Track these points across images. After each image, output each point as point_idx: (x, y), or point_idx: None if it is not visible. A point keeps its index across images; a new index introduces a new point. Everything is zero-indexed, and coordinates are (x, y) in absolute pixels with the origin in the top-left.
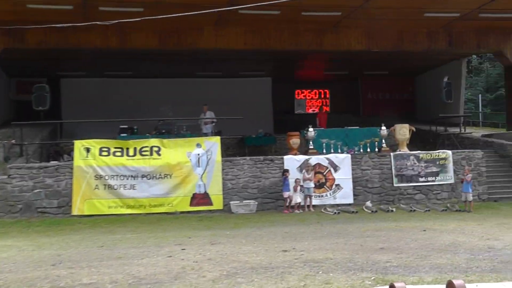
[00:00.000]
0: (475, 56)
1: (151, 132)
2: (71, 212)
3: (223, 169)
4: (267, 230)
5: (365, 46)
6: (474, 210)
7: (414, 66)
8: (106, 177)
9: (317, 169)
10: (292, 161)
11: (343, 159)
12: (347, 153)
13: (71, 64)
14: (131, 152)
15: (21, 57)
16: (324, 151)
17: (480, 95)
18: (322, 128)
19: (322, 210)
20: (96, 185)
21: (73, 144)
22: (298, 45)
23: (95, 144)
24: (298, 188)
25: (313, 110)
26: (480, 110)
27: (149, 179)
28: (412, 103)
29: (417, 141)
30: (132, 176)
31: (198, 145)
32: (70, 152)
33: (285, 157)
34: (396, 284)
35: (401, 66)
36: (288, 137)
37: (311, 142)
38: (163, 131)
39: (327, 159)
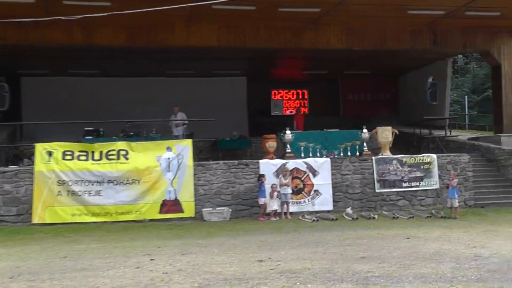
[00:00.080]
0: (461, 56)
1: (118, 134)
2: (31, 220)
3: (195, 174)
4: (241, 239)
5: (346, 45)
6: (460, 217)
7: (397, 66)
8: (70, 183)
9: (295, 174)
10: (268, 166)
11: (322, 164)
12: (327, 157)
13: (32, 62)
14: (96, 156)
15: None
16: (302, 155)
17: (466, 97)
18: (300, 131)
19: (300, 218)
20: (59, 191)
21: (34, 148)
22: (275, 43)
23: (57, 147)
24: (275, 194)
25: (291, 112)
26: (467, 112)
27: (116, 184)
28: (395, 104)
29: (400, 145)
30: (97, 181)
31: (169, 149)
32: (30, 156)
33: (260, 161)
34: None
35: (384, 66)
36: (264, 140)
37: (288, 146)
38: (131, 133)
39: (305, 163)
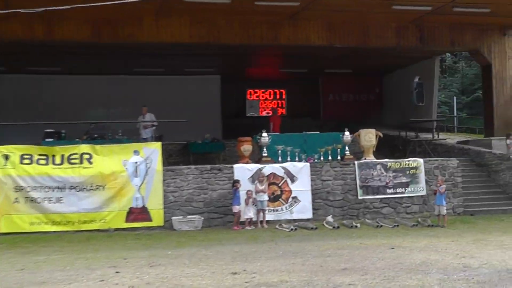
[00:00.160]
0: (449, 54)
1: (81, 137)
2: None
3: (164, 180)
4: (214, 250)
5: (327, 41)
6: (448, 225)
7: (382, 65)
8: (28, 189)
9: (272, 179)
10: (243, 171)
11: (301, 169)
12: (306, 161)
13: None
14: (57, 160)
15: None
16: (280, 159)
17: (455, 98)
18: (277, 133)
19: (277, 227)
20: (16, 198)
21: None
22: (251, 39)
23: (15, 150)
24: (250, 201)
25: (267, 113)
26: (455, 114)
27: (79, 191)
28: (379, 105)
29: (385, 148)
30: (58, 187)
31: (136, 152)
32: None
33: (235, 166)
34: None
35: (367, 64)
36: (238, 143)
37: (265, 149)
38: (96, 135)
39: (283, 168)
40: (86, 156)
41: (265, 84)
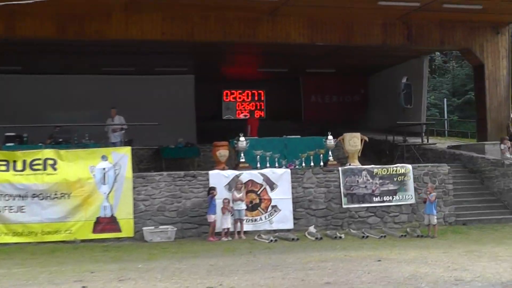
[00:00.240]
0: (438, 53)
1: (45, 141)
2: None
3: (134, 187)
4: (188, 263)
5: (308, 39)
6: (438, 236)
7: (367, 64)
8: None
9: (250, 187)
10: (219, 178)
11: (281, 175)
12: (286, 167)
13: None
14: (19, 165)
15: None
16: (258, 165)
17: (445, 100)
18: (256, 137)
19: (256, 238)
20: None
21: None
22: (227, 36)
23: None
24: (226, 210)
25: (245, 115)
26: (446, 117)
27: (42, 199)
28: (364, 107)
29: (371, 153)
30: (20, 195)
31: (104, 158)
32: None
33: (210, 172)
34: None
35: (351, 64)
36: (214, 148)
37: (242, 154)
38: (60, 140)
39: (262, 175)
40: (50, 162)
41: (243, 85)
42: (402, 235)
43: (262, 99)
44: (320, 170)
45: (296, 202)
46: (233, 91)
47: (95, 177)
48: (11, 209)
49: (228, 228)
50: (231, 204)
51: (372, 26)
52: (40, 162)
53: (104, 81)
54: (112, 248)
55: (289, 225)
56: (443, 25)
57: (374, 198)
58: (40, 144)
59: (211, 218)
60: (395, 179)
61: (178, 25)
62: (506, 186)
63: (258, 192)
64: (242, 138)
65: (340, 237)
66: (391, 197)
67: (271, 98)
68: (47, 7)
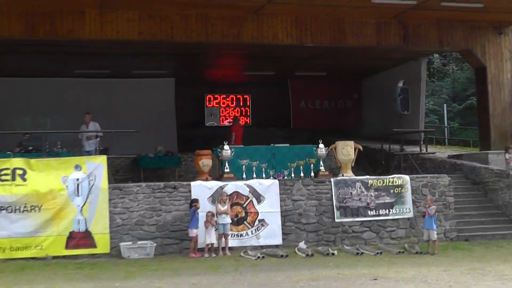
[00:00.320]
0: (437, 55)
1: (13, 149)
2: None
3: (110, 200)
4: (169, 281)
5: (296, 40)
6: (439, 252)
7: (360, 67)
8: None
9: (235, 199)
10: (202, 189)
11: (268, 187)
12: (274, 178)
13: None
14: None
15: None
16: (244, 175)
17: (445, 105)
18: (241, 146)
19: (242, 254)
20: None
21: None
22: (210, 36)
23: None
24: (209, 224)
25: (230, 122)
26: (446, 124)
27: (10, 212)
28: (358, 113)
29: (365, 163)
30: None
31: (77, 167)
32: None
33: (192, 183)
34: None
35: (344, 66)
36: (196, 157)
37: (227, 164)
38: (30, 148)
39: (248, 186)
40: (19, 172)
41: (227, 89)
42: (399, 252)
43: (248, 104)
44: (310, 181)
45: (285, 215)
46: (216, 96)
47: (68, 189)
48: None
49: (212, 244)
50: (215, 218)
51: (365, 25)
52: (8, 172)
53: (77, 84)
54: (87, 265)
55: (278, 240)
56: (441, 25)
57: (369, 211)
58: (8, 152)
59: (193, 232)
60: (391, 191)
61: (156, 24)
62: None
63: (244, 205)
64: (226, 147)
65: (333, 254)
66: (387, 210)
67: (258, 104)
68: (14, 4)
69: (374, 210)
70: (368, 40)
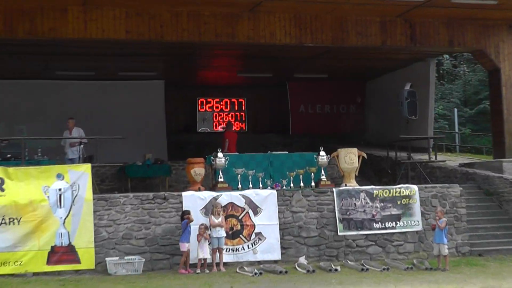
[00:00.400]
0: (447, 56)
1: None
2: None
3: (95, 211)
4: None
5: (295, 39)
6: (450, 268)
7: (364, 68)
8: None
9: (230, 211)
10: (194, 200)
11: (266, 197)
12: (272, 188)
13: None
14: None
15: None
16: (240, 185)
17: (456, 110)
18: (236, 154)
19: (238, 270)
20: None
21: None
22: (202, 36)
23: None
24: (202, 238)
25: (223, 128)
26: (457, 130)
27: None
28: (361, 118)
29: (370, 172)
30: None
31: (60, 176)
32: None
33: (184, 194)
34: None
35: (346, 68)
36: (188, 165)
37: (221, 173)
38: (8, 155)
39: (244, 197)
40: None
41: (221, 92)
42: (407, 268)
43: (243, 108)
44: (311, 191)
45: (283, 228)
46: (209, 100)
47: (50, 199)
48: None
49: (205, 259)
50: (208, 231)
51: (369, 24)
52: None
53: (59, 87)
54: (70, 282)
55: (276, 255)
56: (451, 24)
57: (374, 224)
58: None
59: (184, 246)
60: (398, 202)
61: (145, 23)
62: None
63: (240, 217)
64: (220, 154)
65: (336, 270)
66: (394, 223)
67: (254, 108)
68: None
69: (380, 223)
70: (372, 40)
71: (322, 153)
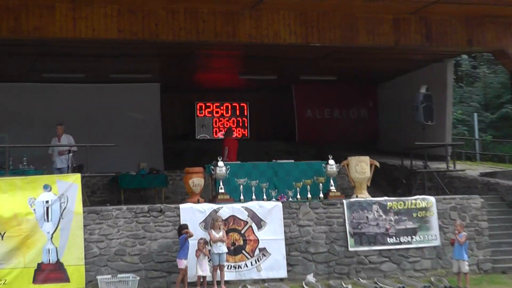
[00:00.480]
0: (466, 56)
1: None
2: None
3: (85, 226)
4: None
5: (301, 39)
6: (471, 287)
7: (376, 69)
8: None
9: (232, 224)
10: (192, 213)
11: (270, 210)
12: (277, 200)
13: None
14: None
15: None
16: (242, 197)
17: (475, 114)
18: (238, 162)
19: None
20: None
21: None
22: (200, 35)
23: None
24: (202, 254)
25: (223, 134)
26: (477, 137)
27: None
28: (373, 124)
29: (383, 183)
30: None
31: (47, 187)
32: None
33: (181, 206)
34: None
35: (356, 70)
36: (186, 175)
37: (221, 184)
38: None
39: (247, 209)
40: None
41: (221, 96)
42: (425, 286)
43: (245, 113)
44: (319, 203)
45: (290, 244)
46: (208, 104)
47: (36, 212)
48: None
49: (204, 277)
50: (208, 247)
51: (381, 22)
52: None
53: (46, 90)
54: None
55: (282, 273)
56: (470, 22)
57: (388, 238)
58: None
59: (181, 263)
60: (414, 214)
61: (138, 21)
62: None
63: (242, 231)
64: (221, 163)
65: None
66: (409, 237)
67: (257, 113)
68: None
69: (394, 237)
70: (385, 39)
71: (331, 161)
